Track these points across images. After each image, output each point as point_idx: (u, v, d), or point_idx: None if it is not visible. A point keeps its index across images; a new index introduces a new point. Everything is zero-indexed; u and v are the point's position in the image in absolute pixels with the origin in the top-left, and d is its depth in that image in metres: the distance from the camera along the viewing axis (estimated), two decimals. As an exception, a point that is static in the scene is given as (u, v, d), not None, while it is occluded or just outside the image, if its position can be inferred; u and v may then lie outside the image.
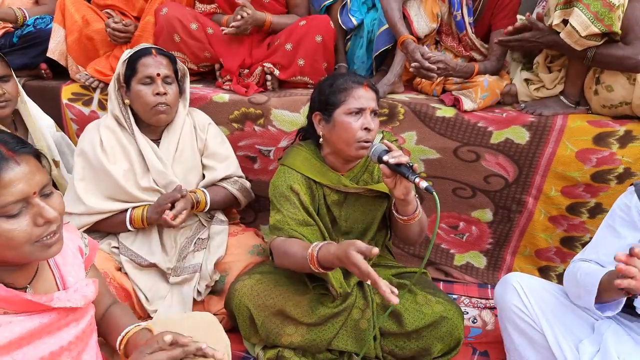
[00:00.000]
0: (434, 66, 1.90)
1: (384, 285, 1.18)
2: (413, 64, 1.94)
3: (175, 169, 1.87)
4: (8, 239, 0.89)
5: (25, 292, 1.00)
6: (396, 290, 1.19)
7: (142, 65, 1.77)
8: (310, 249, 1.39)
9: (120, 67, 1.81)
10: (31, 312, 0.98)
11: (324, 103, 1.57)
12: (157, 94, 1.77)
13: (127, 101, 1.83)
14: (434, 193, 1.28)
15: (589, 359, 1.34)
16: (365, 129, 1.51)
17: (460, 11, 2.11)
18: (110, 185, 1.79)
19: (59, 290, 1.07)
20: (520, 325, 1.50)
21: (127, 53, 1.83)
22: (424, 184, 1.28)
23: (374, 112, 1.55)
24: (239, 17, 2.10)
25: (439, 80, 2.14)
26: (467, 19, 2.13)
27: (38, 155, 0.96)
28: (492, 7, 2.13)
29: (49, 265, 1.09)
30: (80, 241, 1.20)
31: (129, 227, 1.80)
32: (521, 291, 1.51)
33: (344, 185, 1.63)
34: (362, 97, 1.52)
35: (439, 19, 2.13)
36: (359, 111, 1.52)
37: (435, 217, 1.26)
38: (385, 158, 1.37)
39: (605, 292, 1.31)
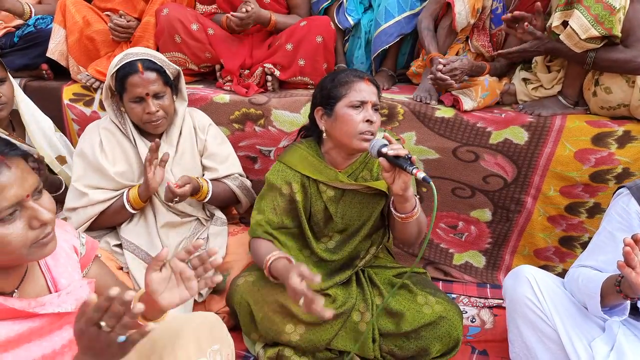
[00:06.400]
0: (446, 76, 1.91)
1: (317, 304, 1.29)
2: (429, 76, 1.99)
3: (174, 170, 1.88)
4: (4, 244, 0.88)
5: (12, 296, 0.97)
6: (326, 311, 1.30)
7: (130, 84, 1.74)
8: (269, 256, 1.54)
9: (109, 79, 1.78)
10: (19, 318, 0.96)
11: (326, 97, 1.60)
12: (149, 113, 1.76)
13: (122, 108, 1.83)
14: (432, 183, 1.30)
15: (603, 358, 1.33)
16: (367, 121, 1.54)
17: (501, 3, 2.11)
18: (108, 183, 1.81)
19: (50, 292, 1.05)
20: (531, 317, 1.48)
21: (113, 66, 1.76)
22: (421, 174, 1.30)
23: (375, 107, 1.58)
24: (243, 10, 2.11)
25: None
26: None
27: (26, 157, 0.95)
28: (520, 9, 2.10)
29: (40, 267, 1.06)
30: (76, 240, 1.18)
31: (128, 208, 1.80)
32: (534, 284, 1.48)
33: (340, 181, 1.65)
34: (364, 90, 1.56)
35: (478, 14, 2.12)
36: (361, 104, 1.55)
37: (436, 217, 1.27)
38: (384, 150, 1.38)
39: (607, 297, 1.30)
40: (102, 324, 0.85)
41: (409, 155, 1.35)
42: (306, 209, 1.69)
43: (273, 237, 1.65)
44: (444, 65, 1.93)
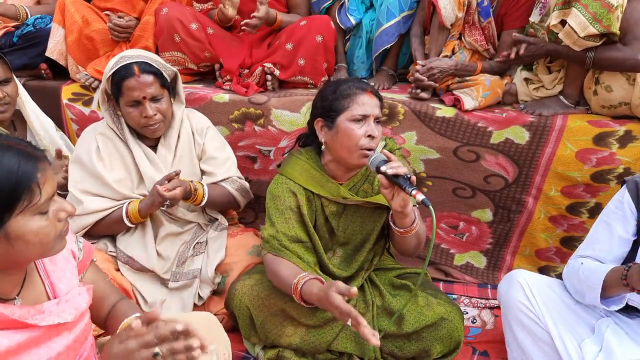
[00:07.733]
0: (422, 77, 2.01)
1: (366, 327, 1.21)
2: (410, 78, 2.15)
3: None
4: (44, 235, 0.92)
5: (14, 303, 0.97)
6: (377, 335, 1.20)
7: (127, 88, 1.69)
8: (296, 279, 1.43)
9: (105, 83, 1.74)
10: (19, 327, 0.95)
11: (327, 109, 1.55)
12: (146, 116, 1.73)
13: (119, 113, 1.80)
14: (431, 207, 1.28)
15: (592, 358, 1.35)
16: (369, 136, 1.49)
17: None
18: (106, 190, 1.78)
19: (49, 298, 1.04)
20: (524, 321, 1.49)
21: (109, 70, 1.71)
22: (420, 196, 1.27)
23: (377, 120, 1.53)
24: (261, 12, 2.10)
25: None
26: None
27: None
28: (507, 6, 2.12)
29: (38, 273, 1.06)
30: (74, 244, 1.18)
31: (126, 222, 1.76)
32: (527, 288, 1.50)
33: (343, 197, 1.60)
34: (366, 103, 1.51)
35: (465, 7, 2.11)
36: (363, 118, 1.50)
37: (437, 217, 1.26)
38: (383, 168, 1.35)
39: (610, 289, 1.33)
40: (157, 351, 0.86)
41: (409, 175, 1.32)
42: (312, 222, 1.65)
43: (290, 252, 1.56)
44: (422, 67, 2.01)
